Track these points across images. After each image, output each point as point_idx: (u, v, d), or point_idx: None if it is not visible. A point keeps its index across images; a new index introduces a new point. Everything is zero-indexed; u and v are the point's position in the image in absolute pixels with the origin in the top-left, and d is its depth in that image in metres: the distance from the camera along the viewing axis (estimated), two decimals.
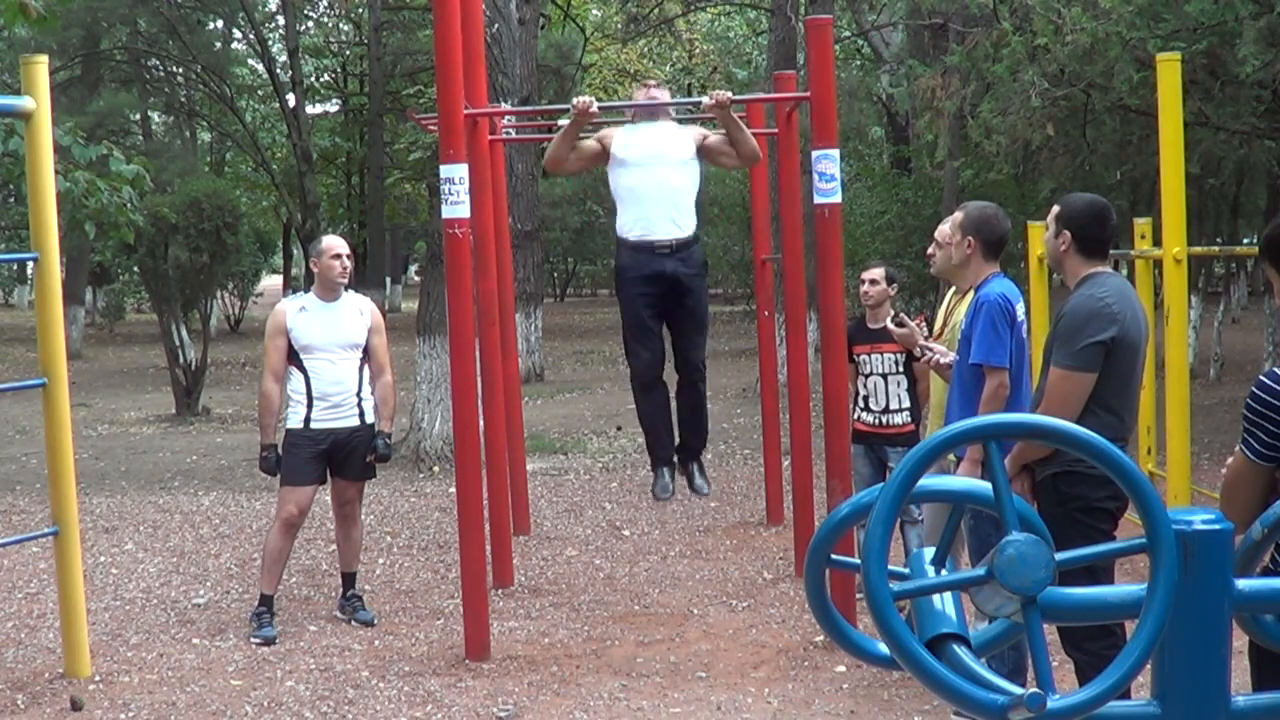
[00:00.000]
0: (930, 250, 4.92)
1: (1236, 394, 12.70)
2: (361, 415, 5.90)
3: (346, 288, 5.99)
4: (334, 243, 5.97)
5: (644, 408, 5.73)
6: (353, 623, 5.96)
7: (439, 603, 6.32)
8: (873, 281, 6.08)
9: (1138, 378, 3.99)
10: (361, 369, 5.94)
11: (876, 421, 5.98)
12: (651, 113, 5.69)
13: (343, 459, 5.90)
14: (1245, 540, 2.23)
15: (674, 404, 5.90)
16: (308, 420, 5.82)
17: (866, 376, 6.00)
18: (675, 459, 5.90)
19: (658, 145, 5.59)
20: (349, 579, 6.10)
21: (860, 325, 6.08)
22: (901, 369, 5.94)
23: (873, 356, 5.98)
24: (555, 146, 5.64)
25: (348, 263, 5.93)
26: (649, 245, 5.51)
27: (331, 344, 5.85)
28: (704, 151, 5.69)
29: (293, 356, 5.86)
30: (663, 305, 5.60)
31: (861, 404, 6.00)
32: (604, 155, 5.68)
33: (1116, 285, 3.96)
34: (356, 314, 5.95)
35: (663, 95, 5.80)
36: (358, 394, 5.90)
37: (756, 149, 5.72)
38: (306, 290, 6.13)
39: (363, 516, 6.81)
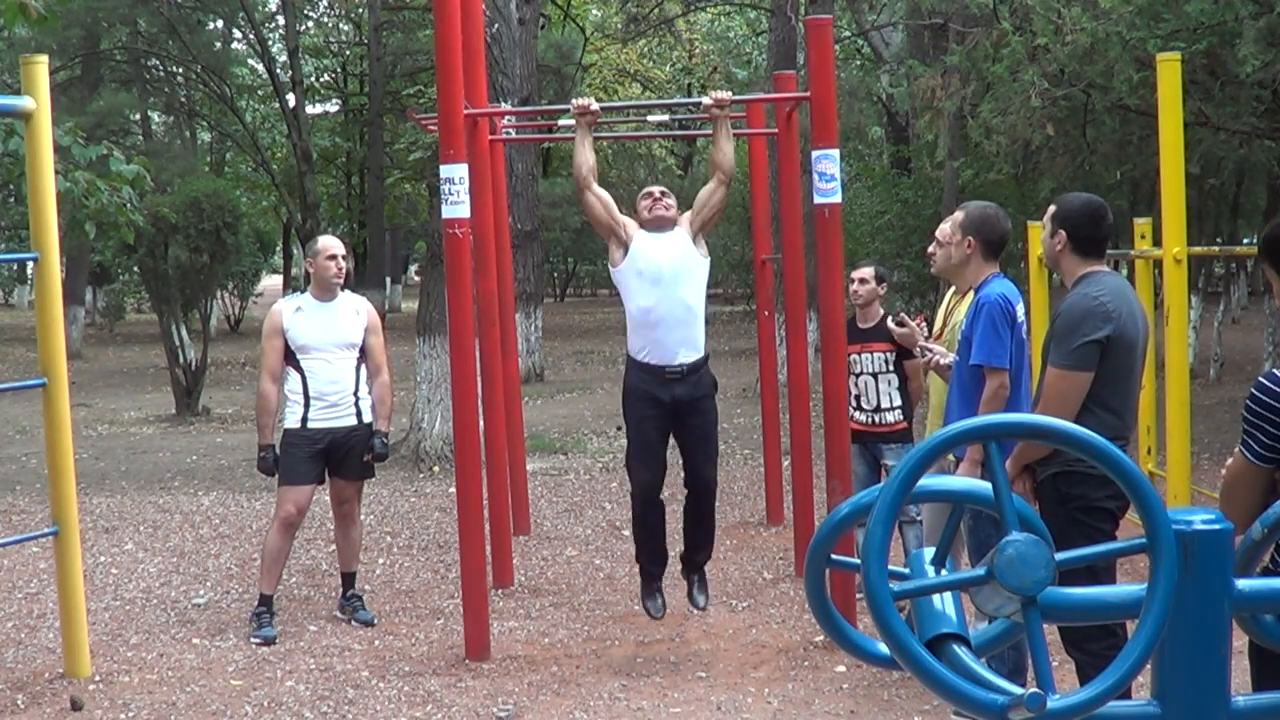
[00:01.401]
0: (931, 249, 4.91)
1: (1236, 394, 12.69)
2: (359, 415, 5.90)
3: (343, 288, 6.00)
4: (329, 243, 5.97)
5: (640, 525, 5.52)
6: (353, 623, 5.96)
7: (439, 603, 6.32)
8: (862, 280, 6.09)
9: (1137, 376, 3.99)
10: (358, 369, 5.94)
11: (869, 420, 6.00)
12: (660, 224, 5.42)
13: (340, 458, 5.90)
14: (1245, 540, 2.23)
15: (684, 511, 5.65)
16: (305, 420, 5.82)
17: (857, 376, 6.01)
18: (663, 578, 5.65)
19: (674, 263, 5.33)
20: (349, 579, 6.11)
21: (850, 325, 6.07)
22: (892, 368, 5.96)
23: (863, 356, 5.99)
24: (577, 154, 5.47)
25: (343, 263, 5.94)
26: (659, 370, 5.33)
27: (328, 344, 5.85)
28: (700, 231, 5.47)
29: (290, 357, 5.86)
30: (670, 426, 5.43)
31: (853, 403, 6.00)
32: (618, 240, 5.41)
33: (1113, 284, 3.96)
34: (353, 314, 5.95)
35: (671, 210, 5.48)
36: (355, 393, 5.90)
37: (733, 163, 5.50)
38: (305, 290, 6.14)
39: (362, 516, 6.81)
